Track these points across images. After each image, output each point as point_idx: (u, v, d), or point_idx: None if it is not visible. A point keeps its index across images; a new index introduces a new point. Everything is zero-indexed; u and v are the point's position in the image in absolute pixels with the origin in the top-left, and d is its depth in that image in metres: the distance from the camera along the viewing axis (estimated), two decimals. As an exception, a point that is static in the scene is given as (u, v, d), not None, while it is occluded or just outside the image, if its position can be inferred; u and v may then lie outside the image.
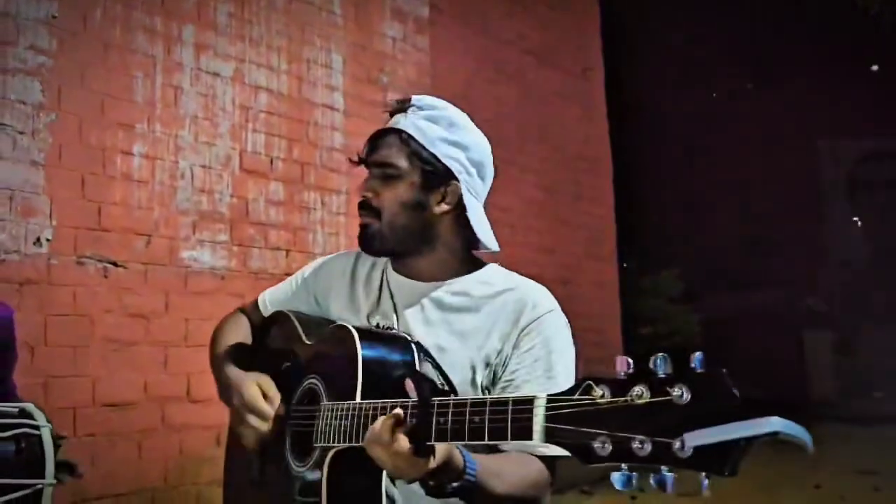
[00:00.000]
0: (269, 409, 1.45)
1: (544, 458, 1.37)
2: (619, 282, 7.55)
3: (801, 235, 12.72)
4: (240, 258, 4.01)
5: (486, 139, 1.55)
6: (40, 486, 1.74)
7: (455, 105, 1.56)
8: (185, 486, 3.62)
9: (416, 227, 1.49)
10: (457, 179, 1.47)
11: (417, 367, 1.39)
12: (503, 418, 1.06)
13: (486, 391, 1.43)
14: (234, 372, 1.57)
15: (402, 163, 1.46)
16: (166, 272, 3.68)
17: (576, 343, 1.49)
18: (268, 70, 4.26)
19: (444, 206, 1.48)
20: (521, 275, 1.55)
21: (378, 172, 1.49)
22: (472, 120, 1.57)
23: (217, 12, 4.04)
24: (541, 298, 1.48)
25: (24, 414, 1.82)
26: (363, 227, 1.51)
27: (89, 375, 3.36)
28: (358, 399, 1.32)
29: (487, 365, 1.43)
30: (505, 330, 1.44)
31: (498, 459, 1.33)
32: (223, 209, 3.96)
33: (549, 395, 1.03)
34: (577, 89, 7.21)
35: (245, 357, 1.65)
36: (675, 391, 0.88)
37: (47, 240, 3.26)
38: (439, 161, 1.46)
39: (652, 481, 0.89)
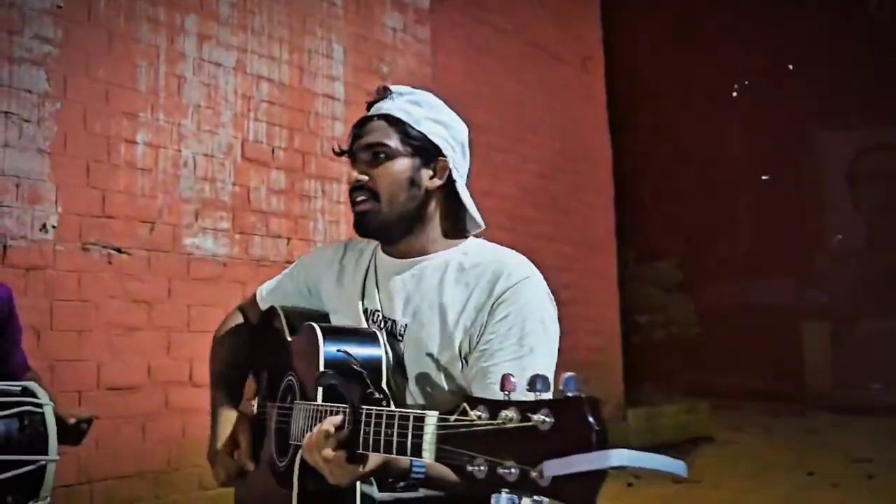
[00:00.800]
0: (222, 475, 1.68)
1: None
2: (617, 270, 7.59)
3: (801, 227, 12.74)
4: (241, 245, 4.07)
5: (462, 122, 1.60)
6: (43, 462, 1.79)
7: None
8: (188, 469, 3.69)
9: (412, 205, 1.51)
10: (444, 156, 1.52)
11: (384, 375, 1.42)
12: (405, 433, 1.04)
13: (466, 361, 1.43)
14: (217, 409, 1.77)
15: (394, 142, 1.50)
16: (169, 259, 3.74)
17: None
18: (269, 60, 4.30)
19: (437, 182, 1.52)
20: None
21: (367, 156, 1.51)
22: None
23: (219, 3, 4.08)
24: (517, 266, 1.46)
25: (26, 392, 1.86)
26: (362, 212, 1.51)
27: (94, 360, 3.42)
28: (319, 400, 1.36)
29: (467, 336, 1.43)
30: (481, 299, 1.43)
31: None
32: (225, 197, 4.01)
33: (439, 415, 1.00)
34: (578, 79, 7.23)
35: (237, 371, 1.80)
36: (537, 417, 0.85)
37: (53, 226, 3.32)
38: (427, 138, 1.51)
39: None
